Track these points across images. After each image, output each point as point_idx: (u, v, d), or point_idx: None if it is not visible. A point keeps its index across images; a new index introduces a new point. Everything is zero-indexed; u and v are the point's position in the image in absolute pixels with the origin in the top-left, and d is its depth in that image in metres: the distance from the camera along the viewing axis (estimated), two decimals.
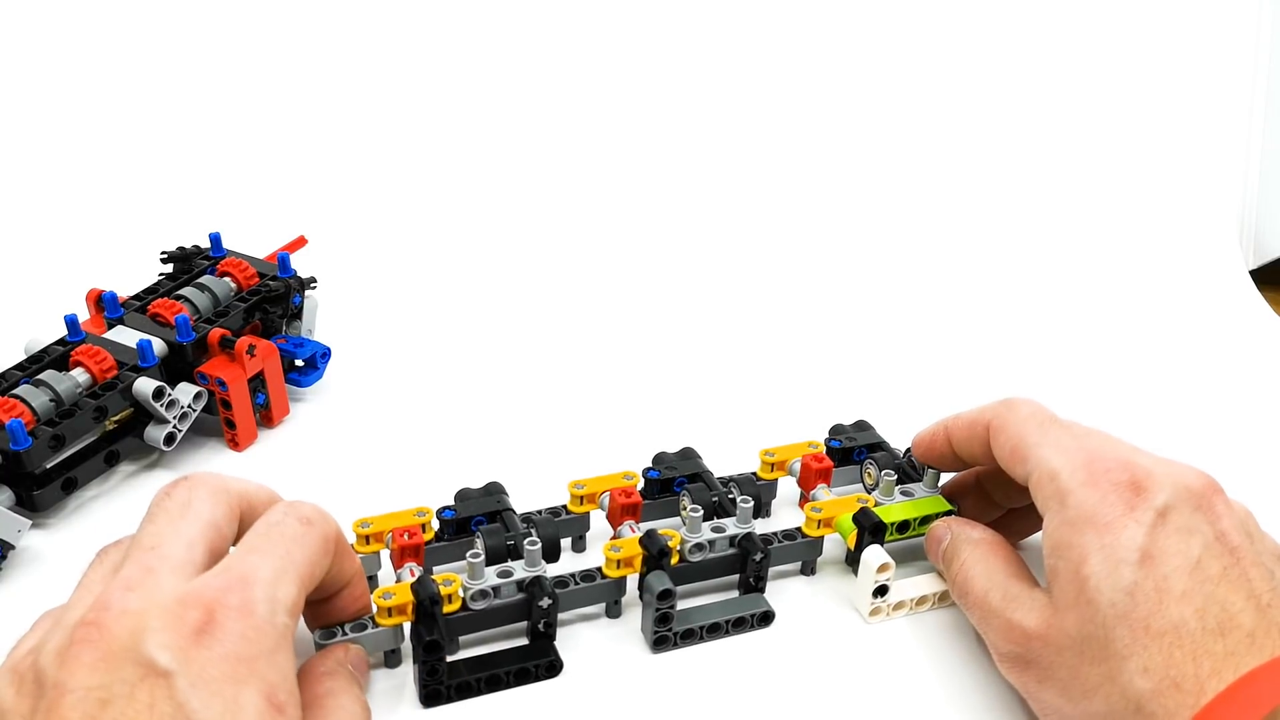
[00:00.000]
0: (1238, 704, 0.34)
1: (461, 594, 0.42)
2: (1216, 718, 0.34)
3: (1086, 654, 0.37)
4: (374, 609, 0.41)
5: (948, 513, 0.47)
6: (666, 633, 0.44)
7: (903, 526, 0.47)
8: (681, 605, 0.44)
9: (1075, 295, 0.72)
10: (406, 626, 0.42)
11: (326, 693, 0.37)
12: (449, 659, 0.42)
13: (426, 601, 0.41)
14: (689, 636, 0.44)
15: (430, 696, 0.41)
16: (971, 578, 0.42)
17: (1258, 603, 0.37)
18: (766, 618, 0.45)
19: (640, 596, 0.44)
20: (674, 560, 0.44)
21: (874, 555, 0.45)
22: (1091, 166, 0.80)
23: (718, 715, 0.41)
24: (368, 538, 0.45)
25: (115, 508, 0.51)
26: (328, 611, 0.41)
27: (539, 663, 0.42)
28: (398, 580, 0.43)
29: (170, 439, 0.52)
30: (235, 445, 0.55)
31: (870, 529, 0.46)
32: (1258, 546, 0.39)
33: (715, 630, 0.44)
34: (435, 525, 0.46)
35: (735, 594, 0.46)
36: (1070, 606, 0.37)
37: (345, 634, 0.41)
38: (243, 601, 0.34)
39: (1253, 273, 0.77)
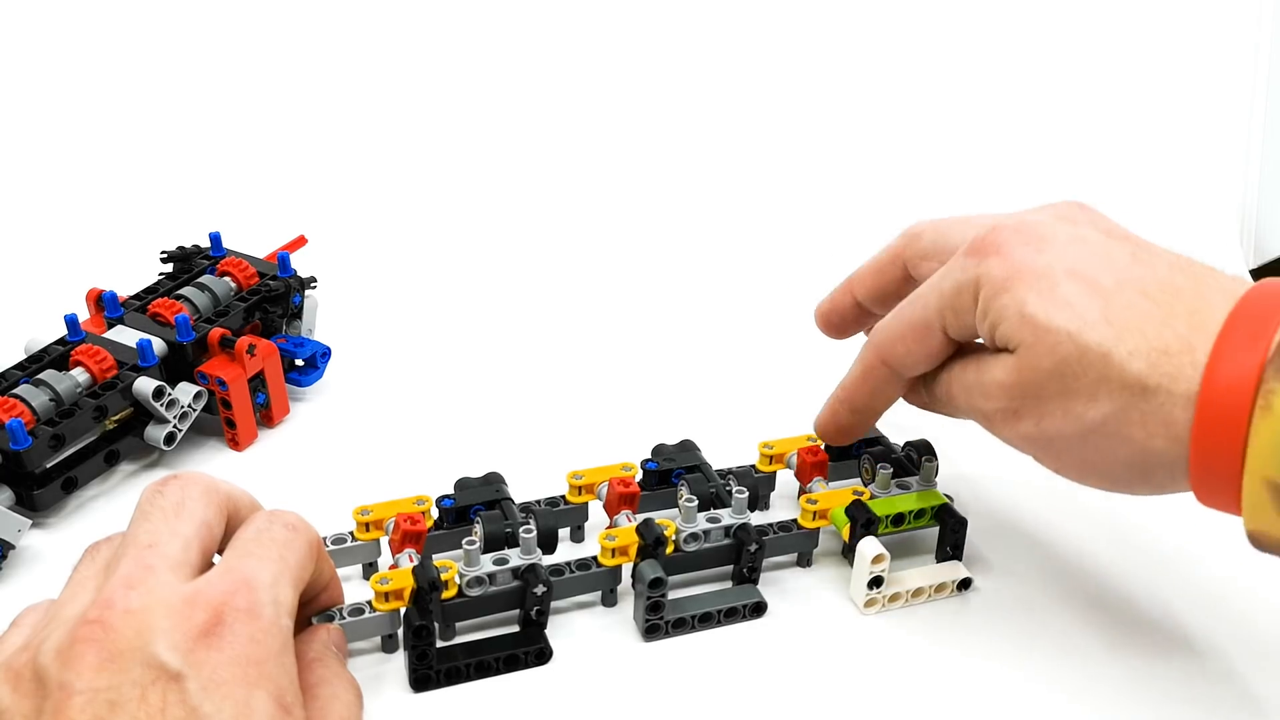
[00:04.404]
0: (1240, 336, 0.35)
1: (458, 580, 0.42)
2: (1228, 356, 0.35)
3: (1068, 372, 0.37)
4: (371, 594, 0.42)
5: (942, 506, 0.47)
6: (658, 621, 0.44)
7: (897, 519, 0.47)
8: (674, 595, 0.44)
9: None
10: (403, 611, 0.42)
11: (319, 681, 0.38)
12: (442, 645, 0.42)
13: (426, 586, 0.41)
14: (680, 625, 0.44)
15: (420, 681, 0.42)
16: (952, 382, 0.42)
17: (1183, 267, 0.38)
18: (759, 608, 0.45)
19: (632, 585, 0.45)
20: (669, 550, 0.44)
21: (869, 547, 0.45)
22: (1091, 166, 0.80)
23: (709, 704, 0.42)
24: (367, 525, 0.45)
25: (115, 507, 0.51)
26: (304, 616, 0.41)
27: (528, 650, 0.43)
28: (395, 566, 0.43)
29: (170, 439, 0.52)
30: (235, 445, 0.55)
31: (864, 521, 0.46)
32: (1139, 238, 0.40)
33: (707, 620, 0.45)
34: (435, 513, 0.46)
35: (729, 585, 0.46)
36: (1032, 345, 0.38)
37: (343, 617, 0.41)
38: (249, 604, 0.34)
39: (1253, 272, 0.77)
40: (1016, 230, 0.40)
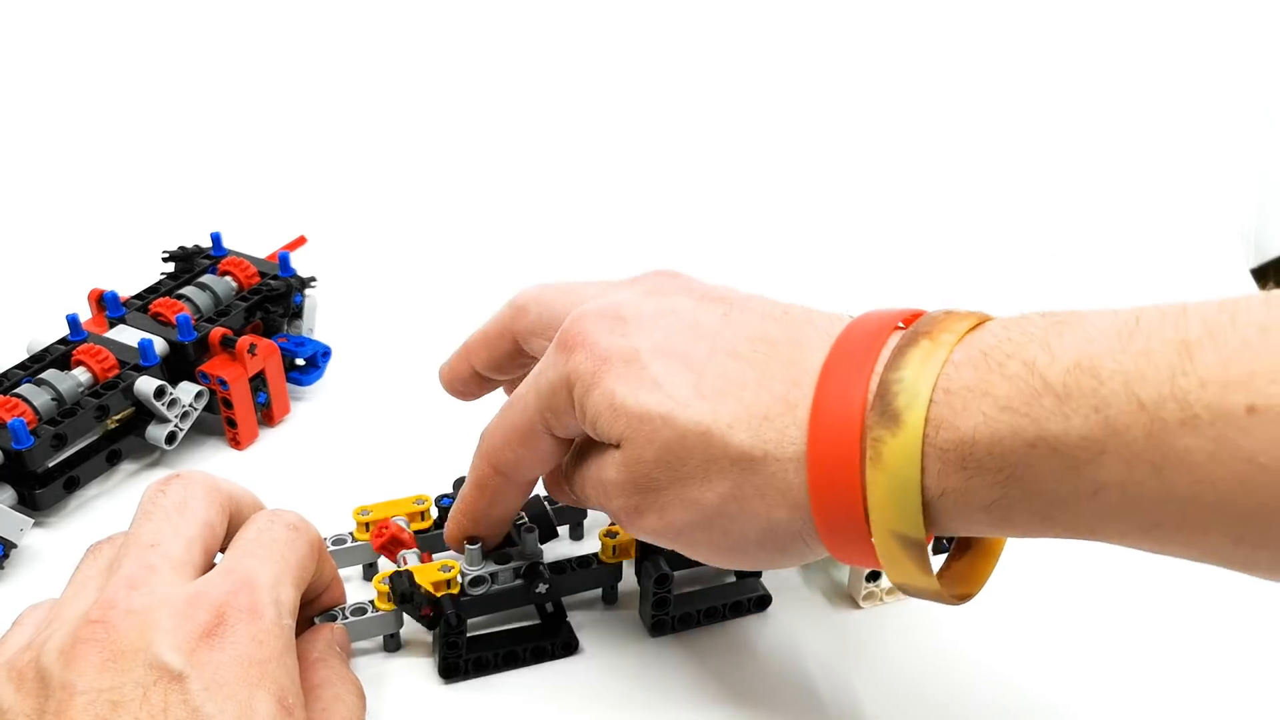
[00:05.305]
0: (837, 384, 0.32)
1: (460, 580, 0.42)
2: (827, 409, 0.32)
3: (673, 459, 0.35)
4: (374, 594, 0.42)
5: None
6: (664, 617, 0.44)
7: None
8: (679, 590, 0.44)
9: (1075, 294, 0.72)
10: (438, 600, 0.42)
11: (322, 681, 0.38)
12: (471, 635, 0.43)
13: (402, 595, 0.41)
14: (686, 620, 0.44)
15: (449, 670, 0.42)
16: (584, 481, 0.39)
17: (779, 316, 0.36)
18: (763, 602, 0.45)
19: (638, 582, 0.45)
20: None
21: None
22: (1092, 166, 0.81)
23: (712, 699, 0.42)
24: (367, 525, 0.45)
25: (117, 506, 0.52)
26: (305, 616, 0.41)
27: (555, 641, 0.43)
28: (396, 566, 0.43)
29: (172, 438, 0.52)
30: (236, 444, 0.55)
31: None
32: (736, 292, 0.38)
33: (713, 615, 0.45)
34: (434, 513, 0.47)
35: (733, 579, 0.46)
36: (632, 437, 0.35)
37: (345, 617, 0.42)
38: (251, 604, 0.34)
39: (1253, 271, 0.77)
40: (600, 316, 0.37)
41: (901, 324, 0.34)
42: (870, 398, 0.32)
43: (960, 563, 0.36)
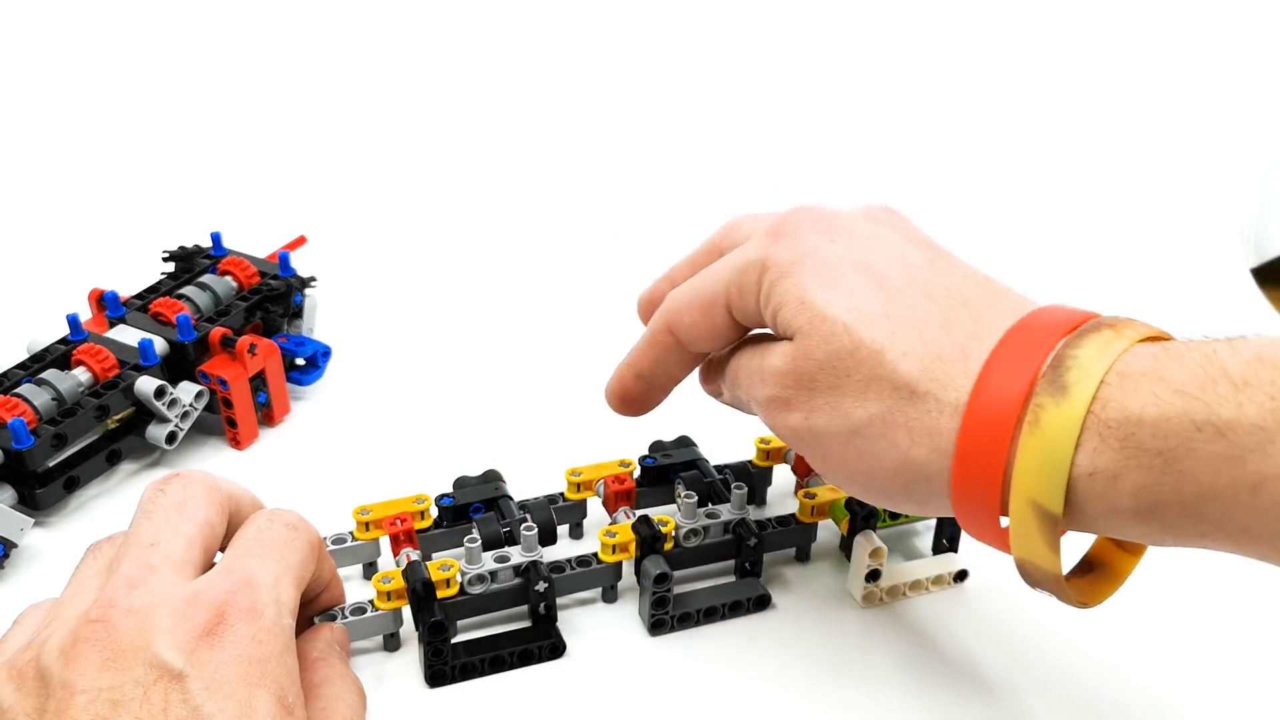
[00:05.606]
0: (1015, 350, 0.33)
1: (459, 579, 0.42)
2: (1000, 368, 0.33)
3: (841, 366, 0.36)
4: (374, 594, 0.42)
5: None
6: (664, 616, 0.44)
7: (895, 513, 0.47)
8: (679, 589, 0.44)
9: (1075, 294, 0.72)
10: (405, 610, 0.42)
11: (322, 680, 0.38)
12: (455, 640, 0.43)
13: (419, 586, 0.41)
14: (685, 620, 0.44)
15: (435, 677, 0.42)
16: (738, 366, 0.40)
17: (979, 281, 0.37)
18: (763, 601, 0.45)
19: (637, 581, 0.45)
20: (669, 546, 0.45)
21: (867, 540, 0.45)
22: (1093, 166, 0.81)
23: (713, 698, 0.42)
24: (367, 525, 0.45)
25: (117, 506, 0.52)
26: (305, 616, 0.41)
27: (542, 644, 0.43)
28: (398, 566, 0.44)
29: (172, 438, 0.52)
30: (236, 444, 0.55)
31: (863, 515, 0.46)
32: (944, 249, 0.39)
33: (712, 614, 0.45)
34: (434, 512, 0.47)
35: (732, 579, 0.47)
36: (809, 333, 0.36)
37: (345, 616, 0.42)
38: (251, 603, 0.34)
39: (1253, 271, 0.77)
40: (816, 218, 0.38)
41: None
42: (1043, 369, 0.32)
43: (1082, 580, 0.36)
